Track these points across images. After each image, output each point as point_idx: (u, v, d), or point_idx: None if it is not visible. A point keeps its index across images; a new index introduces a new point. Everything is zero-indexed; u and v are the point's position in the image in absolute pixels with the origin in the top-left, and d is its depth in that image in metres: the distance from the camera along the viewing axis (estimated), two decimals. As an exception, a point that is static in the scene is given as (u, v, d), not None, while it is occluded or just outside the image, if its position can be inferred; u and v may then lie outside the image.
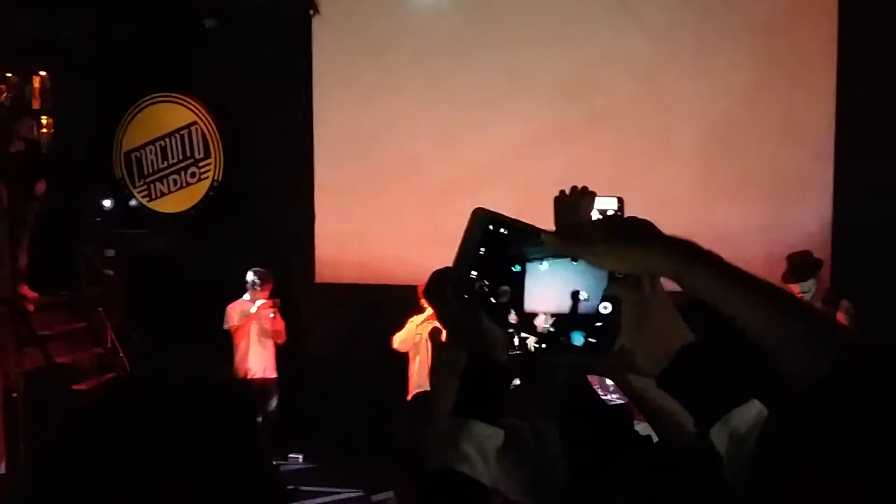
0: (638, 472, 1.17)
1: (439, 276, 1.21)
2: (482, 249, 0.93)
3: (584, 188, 2.17)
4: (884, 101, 6.43)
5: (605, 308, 0.91)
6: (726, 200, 6.98)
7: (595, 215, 2.16)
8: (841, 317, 5.45)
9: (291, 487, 6.44)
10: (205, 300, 7.56)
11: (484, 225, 0.94)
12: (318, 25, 7.64)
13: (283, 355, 7.27)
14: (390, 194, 7.59)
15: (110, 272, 7.83)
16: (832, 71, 6.75)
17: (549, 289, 0.92)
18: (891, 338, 5.41)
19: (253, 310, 7.05)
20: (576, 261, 0.91)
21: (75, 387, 7.00)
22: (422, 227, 7.47)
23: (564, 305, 0.92)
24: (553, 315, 0.92)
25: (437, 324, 5.88)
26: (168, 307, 7.59)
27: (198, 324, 7.46)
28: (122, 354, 7.61)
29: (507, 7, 7.34)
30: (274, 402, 7.16)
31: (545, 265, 0.92)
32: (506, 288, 0.92)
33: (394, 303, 6.62)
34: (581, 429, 1.23)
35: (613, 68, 7.16)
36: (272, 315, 7.05)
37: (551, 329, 0.92)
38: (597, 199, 2.16)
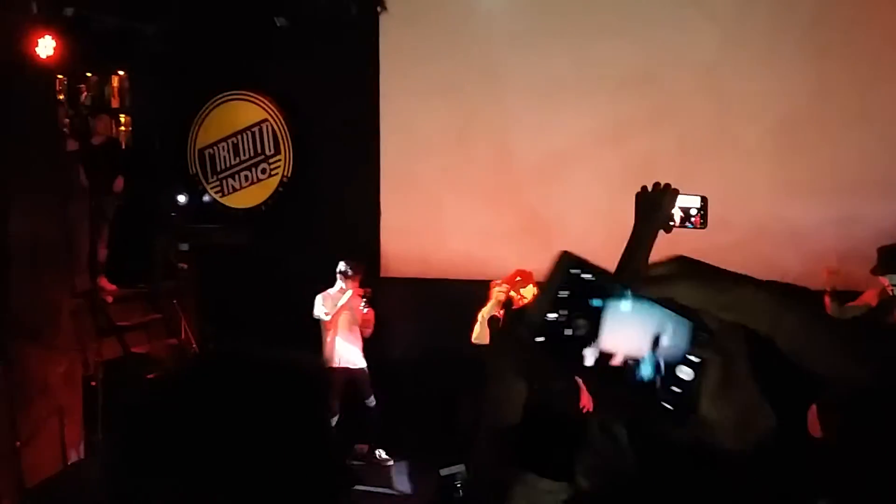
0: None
1: (516, 315, 1.18)
2: (564, 293, 0.86)
3: (667, 185, 2.16)
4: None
5: (687, 374, 0.83)
6: (800, 195, 6.79)
7: (676, 213, 2.15)
8: None
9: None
10: (275, 293, 7.72)
11: (567, 268, 0.87)
12: (385, 22, 7.71)
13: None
14: (455, 190, 7.62)
15: (184, 266, 8.05)
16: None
17: (630, 331, 0.84)
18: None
19: (343, 300, 7.06)
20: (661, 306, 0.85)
21: (150, 376, 7.24)
22: (485, 222, 7.49)
23: (643, 351, 0.84)
24: (631, 359, 0.84)
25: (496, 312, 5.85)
26: (239, 299, 7.77)
27: (268, 316, 7.62)
28: (195, 345, 7.83)
29: (572, 3, 7.28)
30: (368, 391, 7.15)
31: (628, 305, 0.85)
32: (584, 321, 0.84)
33: (458, 297, 6.64)
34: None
35: (680, 62, 7.03)
36: (363, 306, 7.06)
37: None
38: (679, 196, 2.14)
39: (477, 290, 6.48)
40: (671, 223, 2.16)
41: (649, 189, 2.18)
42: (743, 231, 6.82)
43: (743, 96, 6.90)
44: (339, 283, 7.09)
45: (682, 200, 2.14)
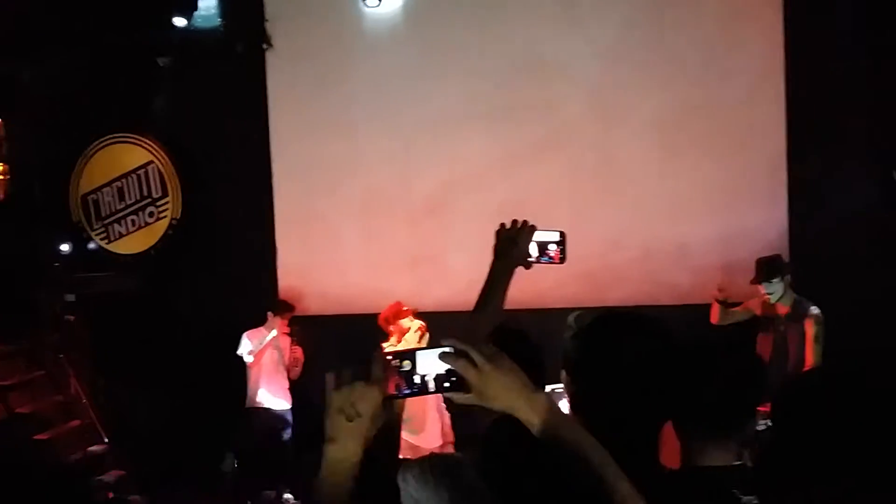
0: None
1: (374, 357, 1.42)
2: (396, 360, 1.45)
3: (525, 222, 2.21)
4: (831, 109, 6.59)
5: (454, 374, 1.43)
6: (686, 213, 7.07)
7: (533, 248, 2.20)
8: (809, 324, 5.53)
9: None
10: (170, 340, 7.48)
11: (396, 357, 1.46)
12: (271, 59, 7.65)
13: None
14: (351, 224, 7.59)
15: (71, 317, 7.72)
16: (781, 81, 6.89)
17: (431, 363, 1.43)
18: (847, 343, 5.50)
19: (268, 338, 6.94)
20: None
21: (38, 436, 6.88)
22: (382, 255, 7.49)
23: (441, 370, 1.42)
24: (431, 375, 1.43)
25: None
26: (133, 349, 7.49)
27: (164, 364, 7.38)
28: (85, 401, 7.49)
29: (457, 34, 7.40)
30: (288, 433, 7.07)
31: (429, 353, 1.44)
32: (408, 362, 1.44)
33: (359, 332, 6.59)
34: None
35: (566, 88, 7.25)
36: (291, 344, 7.03)
37: (433, 381, 1.44)
38: (537, 232, 2.20)
39: (374, 324, 6.45)
40: (529, 259, 2.22)
41: (507, 226, 2.24)
42: (634, 250, 7.06)
43: (628, 120, 7.16)
44: (267, 322, 6.99)
45: (540, 236, 2.22)
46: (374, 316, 6.61)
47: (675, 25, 7.08)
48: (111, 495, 6.82)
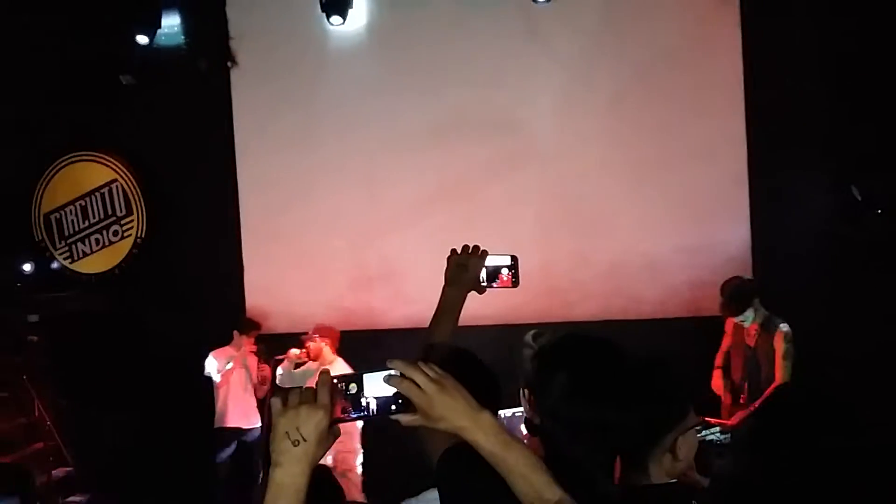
0: None
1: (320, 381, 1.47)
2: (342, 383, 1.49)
3: (476, 247, 2.23)
4: (792, 122, 6.69)
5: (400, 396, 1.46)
6: (653, 228, 7.13)
7: (484, 274, 2.22)
8: (778, 339, 5.61)
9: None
10: (134, 359, 7.40)
11: (342, 380, 1.50)
12: (236, 77, 7.63)
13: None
14: (316, 241, 7.57)
15: (34, 338, 7.61)
16: (741, 96, 6.99)
17: (377, 386, 1.47)
18: (808, 354, 5.58)
19: (234, 357, 6.92)
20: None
21: (1, 459, 6.76)
22: (350, 272, 7.47)
23: (388, 392, 1.46)
24: (377, 398, 1.47)
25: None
26: (98, 370, 7.40)
27: (128, 384, 7.29)
28: (49, 423, 7.38)
29: (421, 52, 7.42)
30: (256, 451, 7.01)
31: (375, 375, 1.47)
32: (354, 385, 1.47)
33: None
34: None
35: (531, 105, 7.29)
36: (259, 363, 6.99)
37: (379, 404, 1.48)
38: (489, 257, 2.22)
39: (346, 341, 6.44)
40: (482, 283, 2.24)
41: (459, 251, 2.26)
42: (602, 265, 7.11)
43: (592, 136, 7.21)
44: (234, 341, 6.98)
45: (492, 260, 2.25)
46: (341, 333, 6.62)
47: (637, 41, 7.15)
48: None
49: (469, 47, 7.33)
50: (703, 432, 5.52)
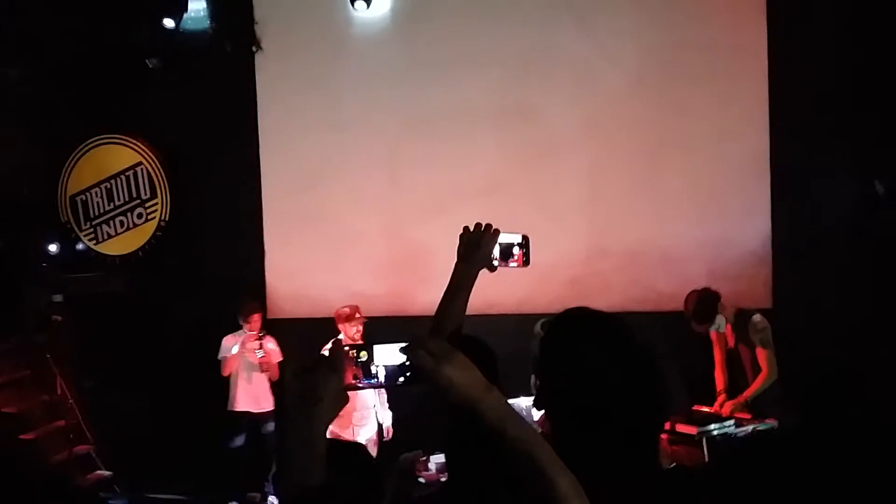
0: None
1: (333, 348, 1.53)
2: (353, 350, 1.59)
3: (488, 226, 2.25)
4: (815, 115, 6.62)
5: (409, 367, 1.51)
6: (670, 219, 7.11)
7: (496, 251, 2.24)
8: (752, 332, 5.71)
9: None
10: (156, 341, 7.49)
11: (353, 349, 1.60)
12: (260, 61, 7.68)
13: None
14: (340, 225, 7.61)
15: (58, 317, 7.71)
16: (764, 87, 6.94)
17: (387, 356, 1.56)
18: (830, 351, 5.58)
19: (236, 348, 6.94)
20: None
21: (23, 436, 6.88)
22: (372, 256, 7.52)
23: (397, 363, 1.53)
24: (387, 367, 1.57)
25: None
26: (120, 350, 7.49)
27: (150, 365, 7.39)
28: (71, 401, 7.49)
29: (445, 38, 7.43)
30: (271, 435, 7.08)
31: (386, 346, 1.56)
32: (365, 353, 1.56)
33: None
34: None
35: (552, 94, 7.28)
36: (258, 351, 6.92)
37: (388, 373, 1.57)
38: (501, 235, 2.24)
39: (366, 327, 6.48)
40: (494, 262, 2.26)
41: (471, 229, 2.26)
42: (620, 257, 7.11)
43: (612, 126, 7.19)
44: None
45: (503, 239, 2.25)
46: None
47: (660, 28, 7.11)
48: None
49: (490, 34, 7.32)
50: (718, 425, 5.56)
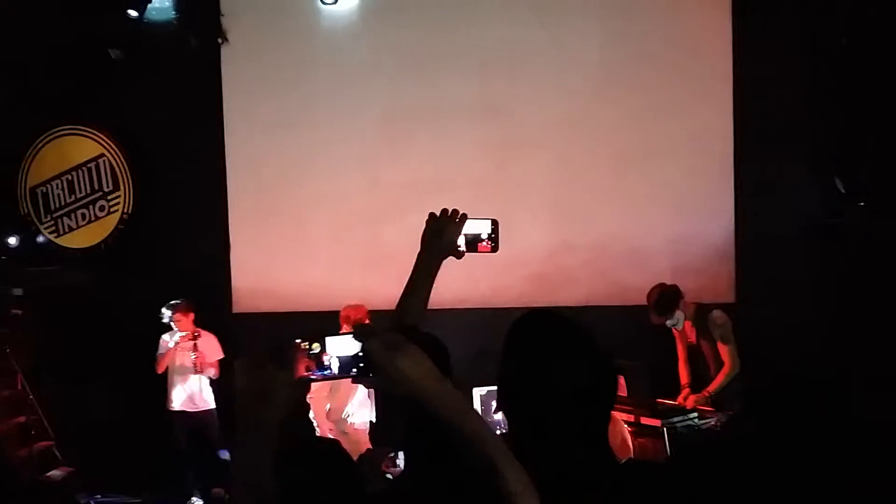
0: None
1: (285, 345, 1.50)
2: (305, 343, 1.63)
3: (455, 211, 2.21)
4: (778, 115, 6.75)
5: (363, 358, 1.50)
6: (636, 215, 7.19)
7: (462, 239, 2.20)
8: (712, 327, 5.82)
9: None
10: (118, 336, 7.39)
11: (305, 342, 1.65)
12: (226, 54, 7.59)
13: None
14: (307, 221, 7.57)
15: (18, 311, 7.59)
16: (729, 88, 7.05)
17: (341, 348, 1.59)
18: (793, 345, 5.67)
19: (170, 344, 6.91)
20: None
21: (-17, 432, 6.78)
22: (337, 253, 7.49)
23: (351, 354, 1.56)
24: (340, 358, 1.59)
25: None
26: (81, 345, 7.39)
27: (112, 361, 7.29)
28: (32, 397, 7.37)
29: (414, 32, 7.43)
30: (216, 437, 6.98)
31: (339, 338, 1.62)
32: (317, 345, 1.60)
33: (312, 329, 6.57)
34: None
35: (523, 89, 7.31)
36: (191, 352, 6.84)
37: (342, 365, 1.60)
38: (469, 221, 2.19)
39: (331, 322, 6.46)
40: (460, 248, 2.20)
41: (437, 215, 2.22)
42: (586, 252, 7.17)
43: (581, 122, 7.25)
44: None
45: (470, 226, 2.20)
46: (329, 313, 6.63)
47: (629, 30, 7.19)
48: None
49: (460, 31, 7.34)
50: (681, 418, 5.63)
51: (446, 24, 7.37)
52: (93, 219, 7.86)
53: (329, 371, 1.57)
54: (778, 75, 6.75)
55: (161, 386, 7.04)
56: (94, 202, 7.85)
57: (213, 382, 7.07)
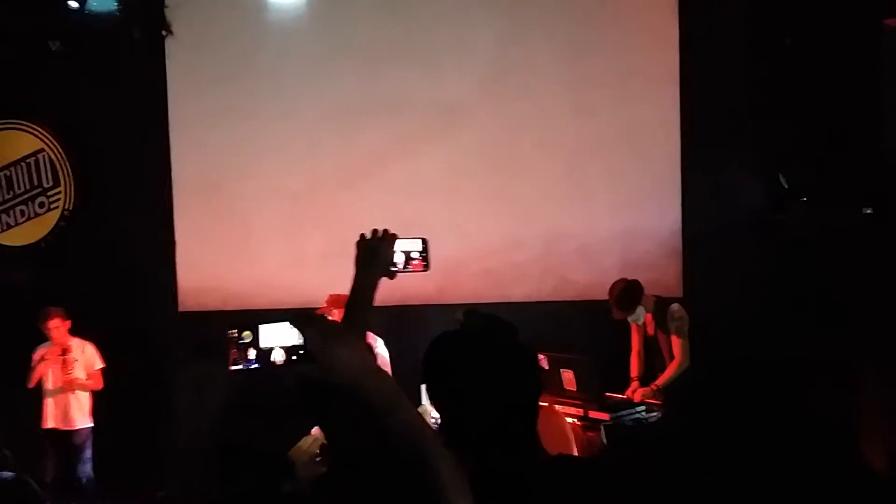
0: None
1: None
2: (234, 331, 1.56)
3: (385, 231, 2.20)
4: (723, 112, 6.86)
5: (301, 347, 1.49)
6: (586, 211, 7.26)
7: (398, 256, 2.21)
8: (669, 320, 5.90)
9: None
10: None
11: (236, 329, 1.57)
12: (170, 47, 7.43)
13: (143, 388, 6.97)
14: (254, 216, 7.47)
15: (-48, 312, 7.35)
16: (676, 87, 7.14)
17: (276, 336, 1.52)
18: (739, 340, 5.76)
19: (40, 356, 6.56)
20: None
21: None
22: (287, 249, 7.41)
23: (287, 343, 1.51)
24: (281, 347, 1.52)
25: None
26: (20, 346, 7.17)
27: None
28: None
29: (360, 24, 7.38)
30: (84, 458, 6.63)
31: (274, 325, 1.53)
32: (248, 333, 1.52)
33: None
34: None
35: (470, 85, 7.31)
36: (66, 366, 6.50)
37: (280, 355, 1.52)
38: (399, 241, 2.20)
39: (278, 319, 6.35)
40: (392, 268, 2.22)
41: (368, 236, 2.23)
42: (534, 247, 7.20)
43: (530, 118, 7.28)
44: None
45: (402, 245, 2.22)
46: (278, 311, 6.54)
47: (575, 26, 7.25)
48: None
49: (409, 24, 7.32)
50: (628, 411, 5.69)
51: (396, 18, 7.33)
52: (32, 216, 7.66)
53: (262, 362, 1.50)
54: (724, 73, 6.86)
55: (100, 391, 6.85)
56: (33, 198, 7.64)
57: (97, 395, 6.75)
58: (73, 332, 6.77)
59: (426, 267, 2.24)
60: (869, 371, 5.69)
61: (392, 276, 2.21)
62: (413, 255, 2.22)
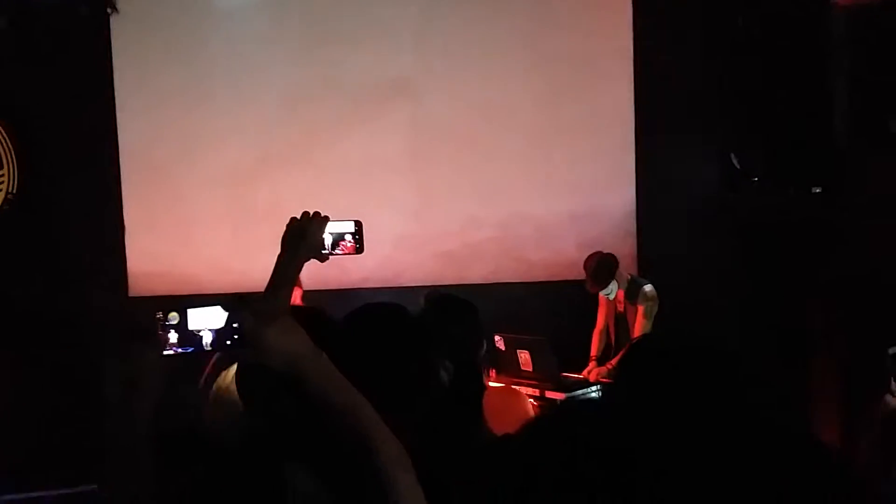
0: None
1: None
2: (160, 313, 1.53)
3: (316, 213, 2.17)
4: (676, 93, 6.93)
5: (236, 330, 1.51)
6: (542, 193, 7.29)
7: (328, 239, 2.17)
8: (641, 299, 6.00)
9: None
10: (3, 329, 7.01)
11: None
12: (117, 24, 7.24)
13: (91, 375, 6.83)
14: (204, 200, 7.34)
15: None
16: (629, 69, 7.19)
17: (208, 319, 1.53)
18: (690, 322, 5.83)
19: None
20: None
21: None
22: (238, 233, 7.30)
23: (221, 326, 1.51)
24: (210, 330, 1.53)
25: None
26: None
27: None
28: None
29: (319, 6, 7.27)
30: None
31: (203, 308, 1.54)
32: (175, 315, 1.50)
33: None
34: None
35: (424, 66, 7.27)
36: None
37: (213, 337, 1.51)
38: (331, 223, 2.17)
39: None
40: (323, 251, 2.19)
41: (298, 218, 2.20)
42: (492, 228, 7.21)
43: (485, 101, 7.27)
44: None
45: (333, 227, 2.18)
46: (229, 295, 6.42)
47: (533, 13, 7.26)
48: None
49: (365, 6, 7.23)
50: (584, 391, 5.73)
51: (351, 2, 7.24)
52: (-26, 200, 7.42)
53: (195, 345, 1.47)
54: (676, 54, 6.91)
55: (50, 382, 6.66)
56: (-26, 182, 7.41)
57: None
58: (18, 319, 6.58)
59: (360, 250, 2.20)
60: (821, 349, 5.81)
61: (323, 258, 2.18)
62: (346, 237, 2.18)
